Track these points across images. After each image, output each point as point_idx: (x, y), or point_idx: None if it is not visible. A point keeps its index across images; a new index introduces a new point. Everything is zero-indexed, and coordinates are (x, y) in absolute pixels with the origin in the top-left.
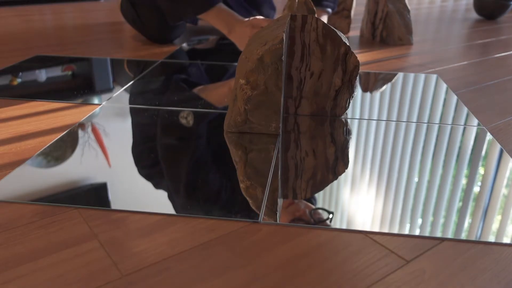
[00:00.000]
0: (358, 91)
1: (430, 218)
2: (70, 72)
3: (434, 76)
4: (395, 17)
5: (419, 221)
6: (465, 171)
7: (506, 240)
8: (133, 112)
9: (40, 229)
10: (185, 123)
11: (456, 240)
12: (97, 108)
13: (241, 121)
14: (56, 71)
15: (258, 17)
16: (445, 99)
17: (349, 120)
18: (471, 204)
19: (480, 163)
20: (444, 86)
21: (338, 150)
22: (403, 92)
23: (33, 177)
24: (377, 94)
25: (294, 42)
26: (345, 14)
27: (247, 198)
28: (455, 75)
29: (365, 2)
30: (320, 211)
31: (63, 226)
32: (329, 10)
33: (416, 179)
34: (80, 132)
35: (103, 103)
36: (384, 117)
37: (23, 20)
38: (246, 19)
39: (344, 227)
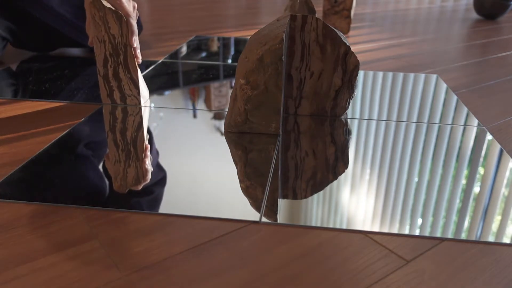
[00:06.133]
0: (358, 91)
1: (430, 218)
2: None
3: (434, 76)
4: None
5: (419, 221)
6: (465, 171)
7: (506, 240)
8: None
9: (40, 229)
10: None
11: (456, 240)
12: (97, 108)
13: (241, 121)
14: (57, 71)
15: None
16: (445, 99)
17: (349, 120)
18: (471, 204)
19: (480, 163)
20: (444, 86)
21: (338, 150)
22: (403, 92)
23: (33, 177)
24: (377, 94)
25: (294, 42)
26: (345, 14)
27: (247, 198)
28: (455, 75)
29: (366, 2)
30: None
31: (63, 226)
32: None
33: (416, 179)
34: (80, 132)
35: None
36: (384, 117)
37: None
38: None
39: (344, 227)
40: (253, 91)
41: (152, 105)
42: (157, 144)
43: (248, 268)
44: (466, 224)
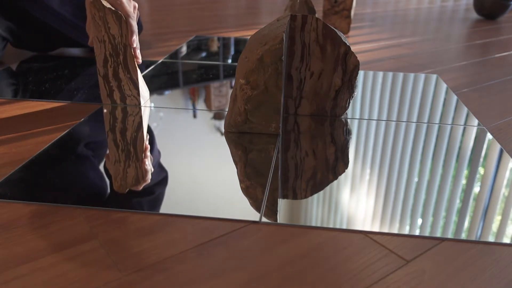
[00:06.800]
0: (358, 91)
1: (430, 218)
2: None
3: (434, 76)
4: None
5: (419, 221)
6: (465, 171)
7: (506, 240)
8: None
9: (40, 229)
10: None
11: (456, 240)
12: (97, 108)
13: (241, 121)
14: (57, 71)
15: None
16: (445, 99)
17: (349, 120)
18: (471, 204)
19: (480, 163)
20: (444, 86)
21: (338, 150)
22: (403, 92)
23: (33, 177)
24: (377, 94)
25: (294, 42)
26: (345, 14)
27: (247, 198)
28: (455, 75)
29: (366, 2)
30: None
31: (63, 226)
32: None
33: (416, 179)
34: (80, 132)
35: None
36: (384, 117)
37: None
38: None
39: (344, 227)
40: (253, 91)
41: (152, 105)
42: (157, 144)
43: (248, 268)
44: (466, 224)
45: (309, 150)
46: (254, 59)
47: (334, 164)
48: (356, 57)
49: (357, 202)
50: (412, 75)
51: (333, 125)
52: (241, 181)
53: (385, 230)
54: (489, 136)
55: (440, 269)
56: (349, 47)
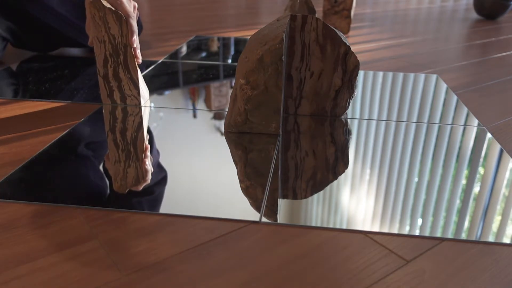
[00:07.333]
0: (358, 91)
1: (430, 218)
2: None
3: (434, 76)
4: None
5: (419, 221)
6: (465, 171)
7: (506, 240)
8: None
9: (40, 229)
10: None
11: (456, 240)
12: (97, 108)
13: (241, 121)
14: (57, 71)
15: None
16: (445, 99)
17: (349, 120)
18: (471, 204)
19: (480, 163)
20: (444, 86)
21: (338, 150)
22: (403, 92)
23: (33, 177)
24: (377, 94)
25: (294, 42)
26: (345, 14)
27: (247, 198)
28: (455, 75)
29: (366, 2)
30: None
31: (63, 226)
32: None
33: (416, 179)
34: (80, 132)
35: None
36: (384, 117)
37: None
38: None
39: (344, 227)
40: (253, 91)
41: (152, 105)
42: (157, 144)
43: (248, 268)
44: (466, 224)
45: (309, 150)
46: (254, 59)
47: (334, 164)
48: (356, 57)
49: (357, 202)
50: (412, 75)
51: (333, 125)
52: (241, 181)
53: (385, 230)
54: (489, 136)
55: (440, 269)
56: (349, 47)
